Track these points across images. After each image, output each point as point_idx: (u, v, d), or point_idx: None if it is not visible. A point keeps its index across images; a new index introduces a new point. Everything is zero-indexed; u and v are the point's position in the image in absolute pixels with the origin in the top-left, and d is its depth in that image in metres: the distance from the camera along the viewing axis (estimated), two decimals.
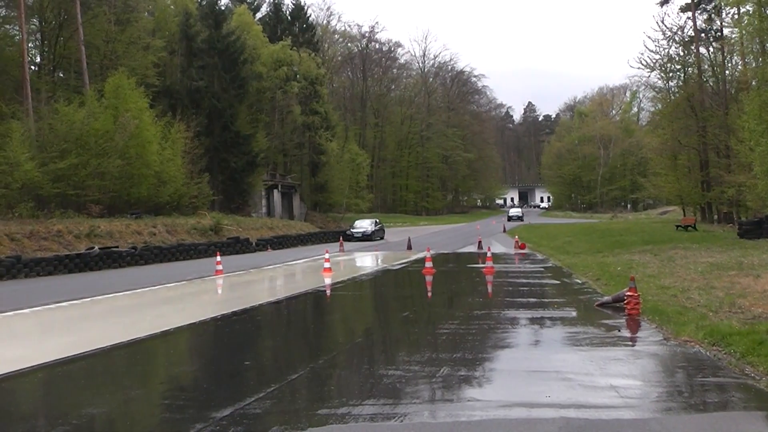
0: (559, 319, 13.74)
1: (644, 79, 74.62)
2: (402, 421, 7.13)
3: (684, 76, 57.86)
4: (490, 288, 20.41)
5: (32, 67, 47.84)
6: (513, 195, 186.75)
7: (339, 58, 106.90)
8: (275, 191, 68.09)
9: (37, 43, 50.60)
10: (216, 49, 57.54)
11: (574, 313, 14.49)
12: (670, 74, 58.66)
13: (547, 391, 8.12)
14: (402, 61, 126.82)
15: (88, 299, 18.87)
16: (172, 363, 11.38)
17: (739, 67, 50.86)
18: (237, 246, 41.69)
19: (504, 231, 61.29)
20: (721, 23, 54.13)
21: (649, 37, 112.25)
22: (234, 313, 15.43)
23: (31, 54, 49.41)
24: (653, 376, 9.37)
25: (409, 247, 39.19)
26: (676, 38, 56.38)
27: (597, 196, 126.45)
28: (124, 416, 7.94)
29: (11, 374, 9.74)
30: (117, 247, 33.39)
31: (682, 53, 57.23)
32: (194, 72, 56.21)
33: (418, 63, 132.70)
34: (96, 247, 31.71)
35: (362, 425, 7.02)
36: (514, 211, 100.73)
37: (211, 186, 52.93)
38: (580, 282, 20.45)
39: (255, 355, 11.76)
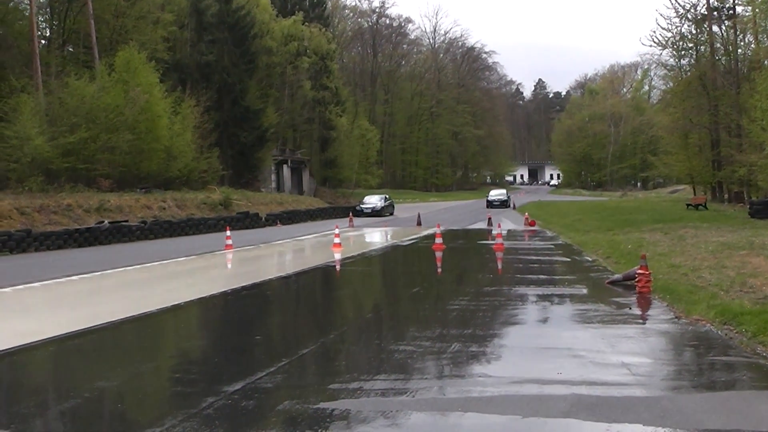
0: (569, 296, 13.73)
1: (656, 56, 74.22)
2: (413, 396, 7.14)
3: (696, 55, 57.32)
4: (500, 264, 20.37)
5: (42, 42, 47.65)
6: (523, 172, 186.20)
7: (349, 34, 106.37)
8: (285, 166, 68.06)
9: (47, 17, 50.39)
10: (226, 24, 57.30)
11: (584, 291, 14.46)
12: (682, 52, 58.11)
13: (559, 368, 8.12)
14: (412, 36, 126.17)
15: (98, 273, 18.92)
16: (182, 337, 11.41)
17: (752, 45, 50.37)
18: (246, 221, 41.73)
19: (514, 208, 61.22)
20: (733, 1, 53.50)
21: (661, 15, 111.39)
22: (244, 288, 15.46)
23: (41, 28, 49.17)
24: (664, 354, 9.38)
25: (419, 223, 39.14)
26: (689, 16, 55.68)
27: (607, 174, 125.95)
28: (135, 389, 7.96)
29: (23, 347, 9.78)
30: (127, 221, 33.44)
31: (694, 31, 56.58)
32: (204, 46, 55.95)
33: (429, 39, 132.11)
34: (106, 221, 31.76)
35: (373, 400, 7.02)
36: (495, 194, 69.98)
37: (221, 161, 52.88)
38: (590, 259, 20.41)
39: (265, 329, 11.79)
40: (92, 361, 9.37)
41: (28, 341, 10.04)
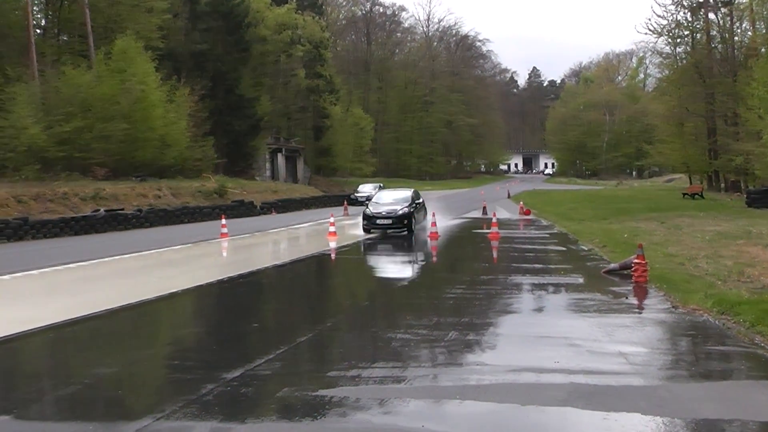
0: (565, 286, 13.74)
1: (651, 44, 73.87)
2: (411, 384, 7.16)
3: (692, 42, 57.32)
4: (495, 253, 20.35)
5: (37, 31, 47.49)
6: (517, 161, 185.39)
7: (343, 22, 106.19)
8: (279, 155, 67.98)
9: (42, 6, 50.22)
10: (219, 12, 57.05)
11: (580, 280, 14.46)
12: (678, 40, 58.14)
13: (556, 357, 8.14)
14: (406, 25, 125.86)
15: (95, 261, 18.92)
16: (179, 324, 11.43)
17: (749, 33, 50.41)
18: (241, 209, 41.70)
19: (508, 197, 61.23)
20: None
21: (656, 2, 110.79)
22: (240, 276, 15.48)
23: (36, 17, 49.03)
24: (661, 343, 9.38)
25: None
26: (685, 3, 55.63)
27: (601, 162, 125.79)
28: (134, 376, 7.99)
29: (21, 334, 9.80)
30: (122, 209, 33.40)
31: (690, 18, 56.55)
32: (198, 35, 55.71)
33: (423, 27, 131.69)
34: (101, 210, 31.73)
35: (372, 388, 7.05)
36: (385, 201, 27.81)
37: (215, 149, 52.76)
38: (585, 249, 20.40)
39: (262, 317, 11.80)
40: (91, 348, 9.38)
41: (27, 328, 10.05)
